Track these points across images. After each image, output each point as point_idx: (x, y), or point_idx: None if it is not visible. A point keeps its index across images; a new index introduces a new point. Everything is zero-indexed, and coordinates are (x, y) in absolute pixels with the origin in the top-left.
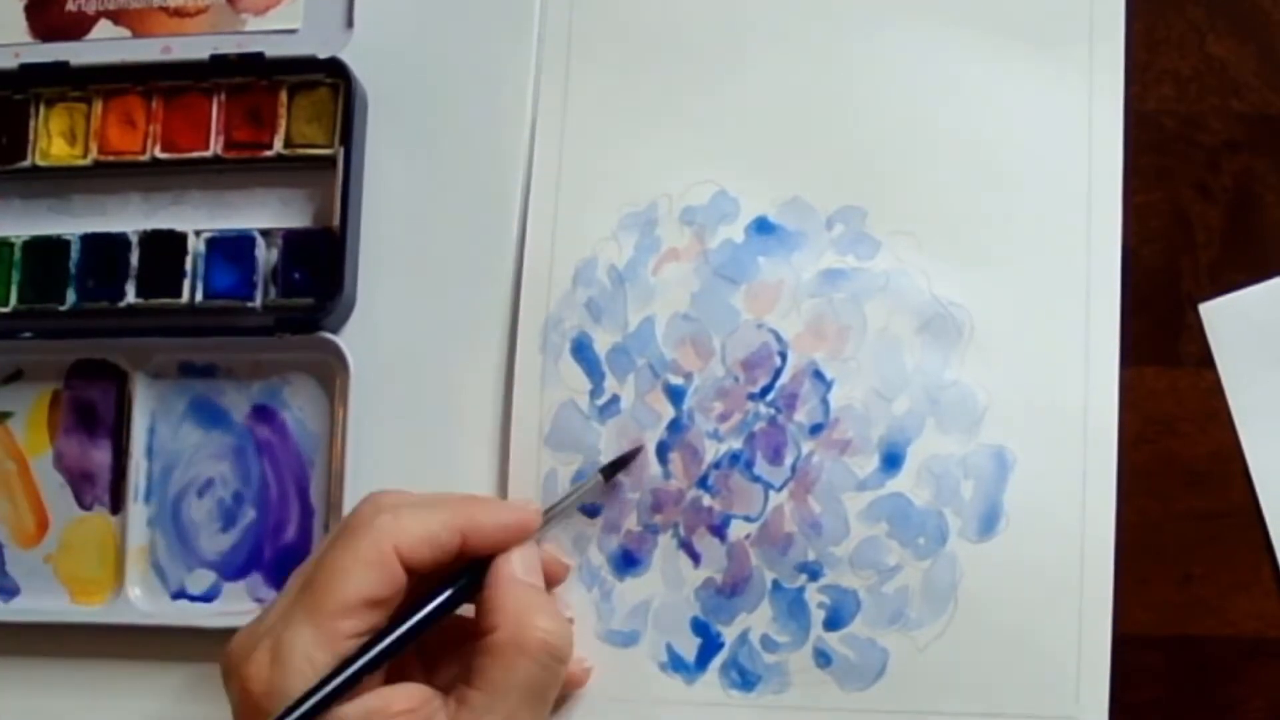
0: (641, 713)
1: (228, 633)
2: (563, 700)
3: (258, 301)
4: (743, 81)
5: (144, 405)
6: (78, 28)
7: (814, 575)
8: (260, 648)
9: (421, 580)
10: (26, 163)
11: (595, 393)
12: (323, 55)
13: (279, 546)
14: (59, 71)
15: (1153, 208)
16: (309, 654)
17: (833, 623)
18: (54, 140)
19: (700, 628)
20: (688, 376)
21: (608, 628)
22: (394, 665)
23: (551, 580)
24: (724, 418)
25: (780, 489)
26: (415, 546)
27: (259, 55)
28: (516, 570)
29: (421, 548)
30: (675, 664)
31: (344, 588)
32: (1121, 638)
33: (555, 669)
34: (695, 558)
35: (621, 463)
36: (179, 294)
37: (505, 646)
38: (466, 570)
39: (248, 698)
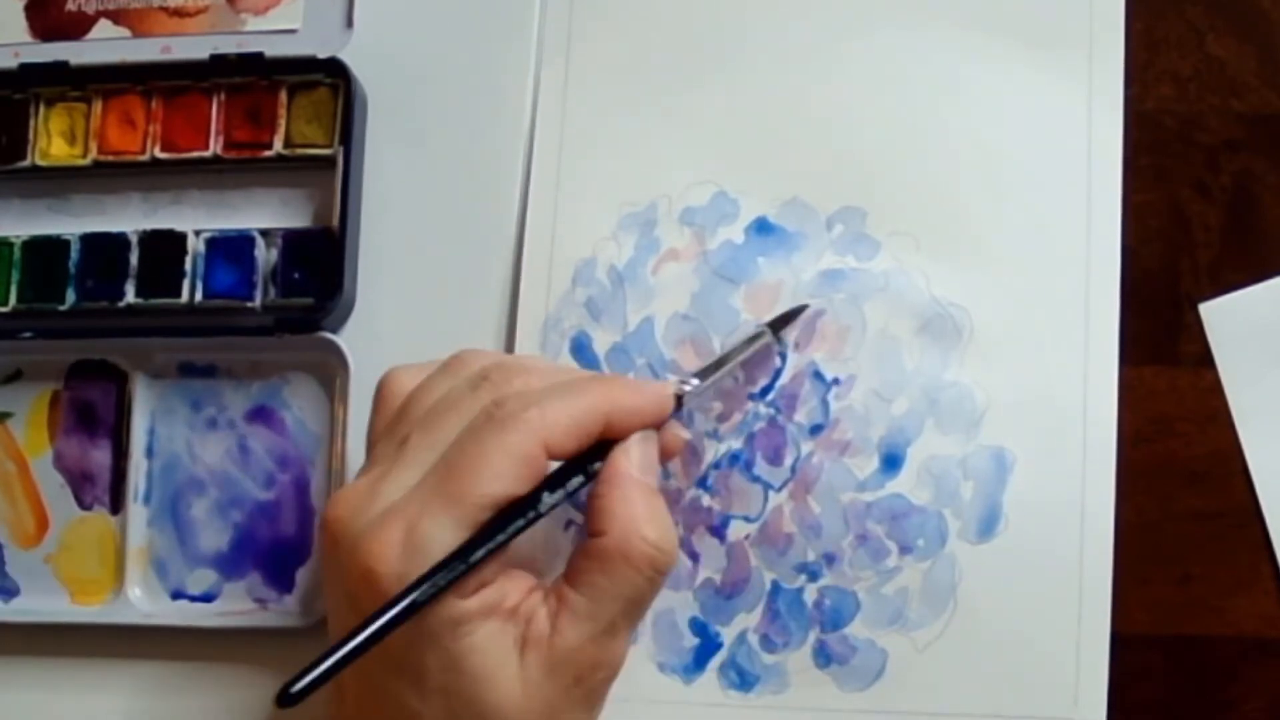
0: (639, 713)
1: (227, 632)
2: None
3: (257, 301)
4: (742, 82)
5: (144, 405)
6: (77, 27)
7: (813, 576)
8: (390, 528)
9: None
10: (26, 162)
11: None
12: (322, 55)
13: (279, 546)
14: (59, 71)
15: (1152, 207)
16: (447, 543)
17: (832, 623)
18: (54, 140)
19: (699, 628)
20: None
21: None
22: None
23: (667, 453)
24: (724, 418)
25: (780, 489)
26: (563, 440)
27: (259, 55)
28: (633, 469)
29: (569, 440)
30: (673, 664)
31: (490, 482)
32: (1121, 638)
33: (657, 582)
34: (694, 558)
35: (790, 316)
36: (179, 294)
37: (612, 554)
38: (595, 454)
39: (372, 578)
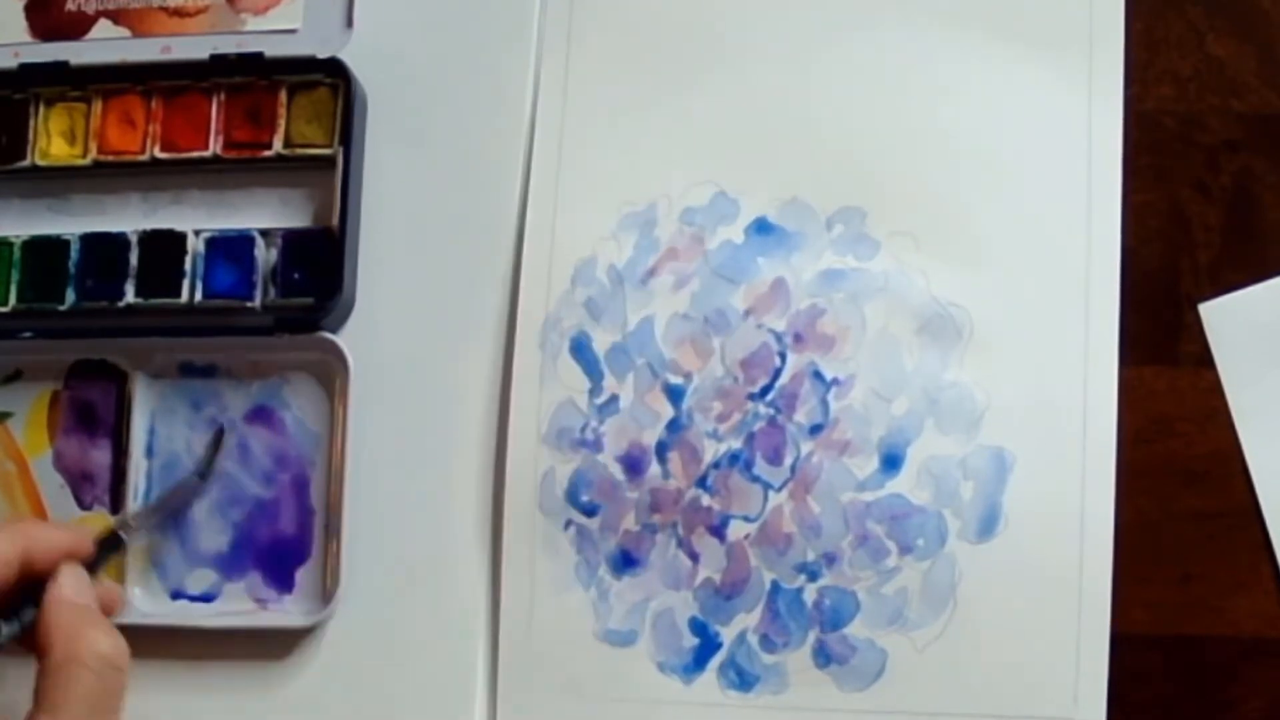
0: (639, 713)
1: (226, 633)
2: (556, 699)
3: (257, 301)
4: (742, 83)
5: (144, 405)
6: (77, 27)
7: (813, 576)
8: None
9: None
10: (26, 162)
11: (594, 392)
12: (322, 55)
13: (279, 546)
14: (59, 71)
15: (1152, 207)
16: None
17: (831, 623)
18: (54, 140)
19: (698, 628)
20: (687, 376)
21: (605, 627)
22: None
23: (108, 610)
24: (723, 418)
25: (779, 489)
26: None
27: (259, 55)
28: (65, 591)
29: None
30: (673, 664)
31: None
32: (1120, 637)
33: (115, 677)
34: (694, 557)
35: (211, 456)
36: (178, 294)
37: (61, 665)
38: (26, 595)
39: None
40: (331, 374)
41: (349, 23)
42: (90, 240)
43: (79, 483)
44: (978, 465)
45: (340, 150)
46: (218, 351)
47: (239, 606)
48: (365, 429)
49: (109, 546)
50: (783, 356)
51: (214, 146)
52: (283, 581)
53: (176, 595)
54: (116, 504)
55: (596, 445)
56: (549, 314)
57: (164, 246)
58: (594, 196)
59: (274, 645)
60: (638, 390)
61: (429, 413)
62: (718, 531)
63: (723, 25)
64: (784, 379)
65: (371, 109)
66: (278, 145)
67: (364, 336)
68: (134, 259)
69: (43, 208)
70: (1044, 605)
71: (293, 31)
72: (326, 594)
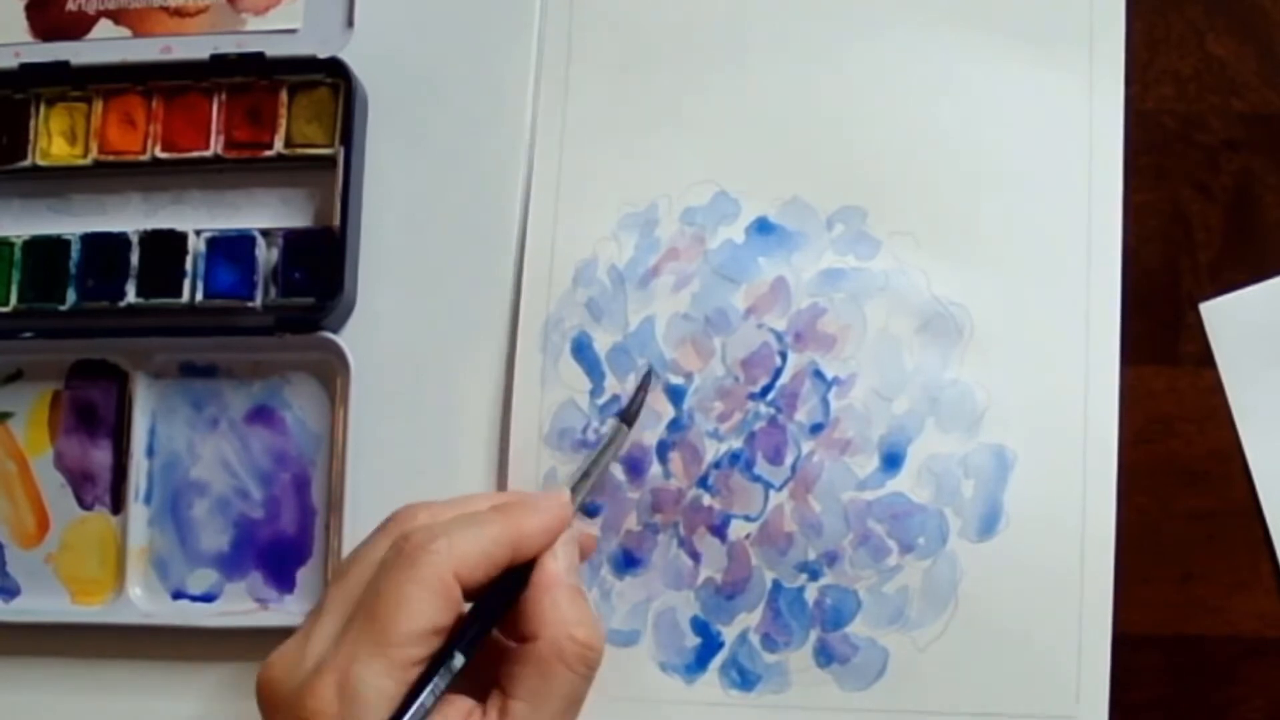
0: (641, 712)
1: (227, 632)
2: None
3: (258, 301)
4: (743, 82)
5: (144, 405)
6: (78, 27)
7: (814, 575)
8: (322, 681)
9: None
10: (27, 162)
11: (595, 392)
12: (323, 55)
13: (279, 546)
14: (59, 71)
15: (1152, 207)
16: (381, 687)
17: (833, 622)
18: (54, 140)
19: (700, 627)
20: (688, 376)
21: (607, 627)
22: None
23: (583, 554)
24: (724, 417)
25: (780, 488)
26: (474, 570)
27: (259, 55)
28: (561, 574)
29: (479, 570)
30: (675, 663)
31: (410, 618)
32: (1121, 637)
33: (590, 678)
34: (695, 557)
35: (638, 403)
36: (179, 294)
37: (547, 656)
38: (513, 579)
39: None
40: (332, 374)
41: (349, 23)
42: (91, 240)
43: (80, 482)
44: (978, 464)
45: (341, 150)
46: (218, 351)
47: (240, 606)
48: (366, 429)
49: None
50: (783, 356)
51: (214, 146)
52: (284, 581)
53: (177, 595)
54: (117, 504)
55: (598, 446)
56: (550, 314)
57: (164, 246)
58: (594, 196)
59: (275, 645)
60: None
61: (430, 413)
62: (719, 531)
63: (723, 26)
64: (785, 378)
65: (372, 109)
66: (278, 145)
67: (364, 336)
68: (134, 259)
69: (43, 208)
70: (1045, 604)
71: (293, 31)
72: None
